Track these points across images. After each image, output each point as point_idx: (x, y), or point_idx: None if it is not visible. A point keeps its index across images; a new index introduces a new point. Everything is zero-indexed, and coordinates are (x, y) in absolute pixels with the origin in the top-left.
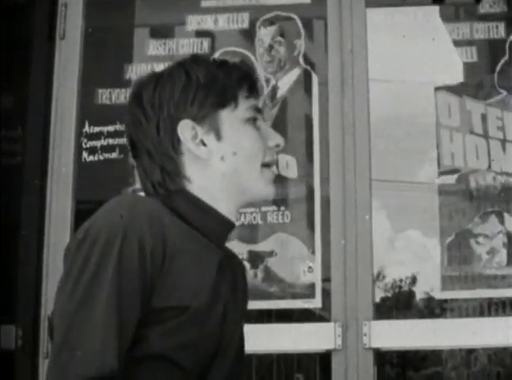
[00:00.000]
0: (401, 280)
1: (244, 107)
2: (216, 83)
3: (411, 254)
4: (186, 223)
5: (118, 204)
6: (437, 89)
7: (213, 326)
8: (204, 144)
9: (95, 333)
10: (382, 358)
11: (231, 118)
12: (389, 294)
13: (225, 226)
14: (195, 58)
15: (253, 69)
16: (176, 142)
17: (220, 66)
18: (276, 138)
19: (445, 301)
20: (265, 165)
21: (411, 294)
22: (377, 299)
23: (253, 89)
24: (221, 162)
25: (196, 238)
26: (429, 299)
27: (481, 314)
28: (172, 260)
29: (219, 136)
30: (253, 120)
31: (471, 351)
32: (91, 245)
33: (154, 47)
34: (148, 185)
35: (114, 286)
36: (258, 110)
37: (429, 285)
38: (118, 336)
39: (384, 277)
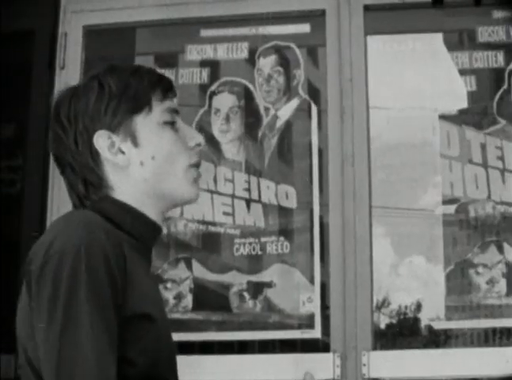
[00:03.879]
0: (406, 307)
1: (159, 110)
2: (129, 90)
3: (414, 283)
4: (124, 231)
5: (70, 221)
6: (437, 118)
7: (167, 331)
8: (123, 152)
9: (87, 355)
10: None
11: (147, 123)
12: (393, 322)
13: (155, 231)
14: (109, 69)
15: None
16: (94, 154)
17: (134, 73)
18: (196, 138)
19: (446, 331)
20: (192, 166)
21: (414, 322)
22: (381, 326)
23: (167, 92)
24: (141, 168)
25: (134, 244)
26: (431, 329)
27: (482, 344)
28: (130, 268)
29: (135, 142)
30: (170, 124)
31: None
32: (57, 268)
33: None
34: (75, 199)
35: (91, 303)
36: (175, 111)
37: (431, 315)
38: (112, 351)
39: (388, 304)
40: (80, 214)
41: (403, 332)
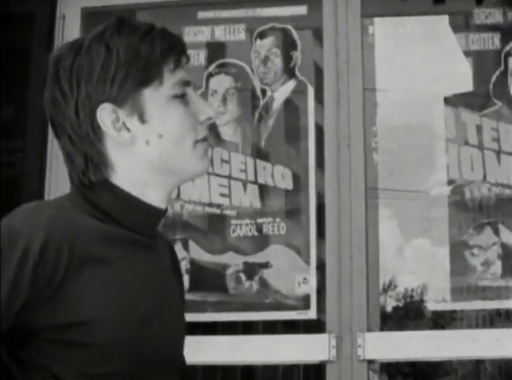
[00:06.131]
0: (409, 290)
1: (170, 83)
2: (138, 59)
3: (413, 262)
4: (112, 219)
5: (14, 212)
6: (433, 100)
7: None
8: (127, 128)
9: None
10: (391, 368)
11: (156, 97)
12: (391, 303)
13: (154, 216)
14: (117, 27)
15: (179, 36)
16: (96, 127)
17: (144, 37)
18: (208, 111)
19: (439, 312)
20: (199, 142)
21: (417, 303)
22: (383, 308)
23: (179, 61)
24: (146, 147)
25: (124, 236)
26: (426, 310)
27: (476, 326)
28: (81, 269)
29: (142, 119)
30: (181, 96)
31: (481, 361)
32: None
33: None
34: (73, 174)
35: None
36: (187, 83)
37: (430, 296)
38: None
39: (393, 286)
40: (32, 205)
41: (402, 314)
